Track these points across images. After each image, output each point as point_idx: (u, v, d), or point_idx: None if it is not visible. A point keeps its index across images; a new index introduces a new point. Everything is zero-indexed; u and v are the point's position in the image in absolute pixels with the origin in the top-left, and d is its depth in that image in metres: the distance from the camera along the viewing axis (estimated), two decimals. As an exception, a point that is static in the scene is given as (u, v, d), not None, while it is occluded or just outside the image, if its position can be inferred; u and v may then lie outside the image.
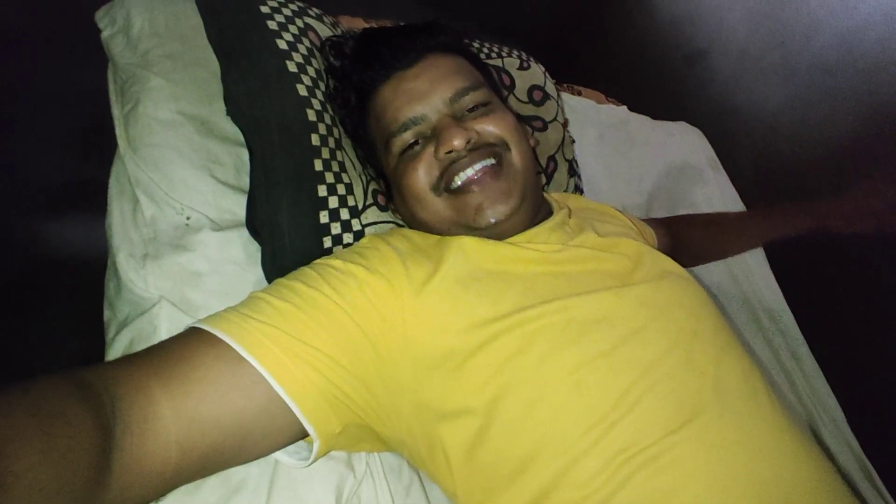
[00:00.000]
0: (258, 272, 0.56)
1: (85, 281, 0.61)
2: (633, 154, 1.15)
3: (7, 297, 0.75)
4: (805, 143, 1.24)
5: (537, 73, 0.91)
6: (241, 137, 0.60)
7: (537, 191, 0.61)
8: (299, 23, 0.65)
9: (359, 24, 0.85)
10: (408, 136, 0.56)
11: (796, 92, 1.26)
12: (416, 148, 0.56)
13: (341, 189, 0.60)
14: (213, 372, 0.38)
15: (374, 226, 0.62)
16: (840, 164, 1.17)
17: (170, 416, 0.35)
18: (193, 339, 0.40)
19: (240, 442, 0.39)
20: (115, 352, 0.52)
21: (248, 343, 0.39)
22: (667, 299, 0.51)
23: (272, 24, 0.62)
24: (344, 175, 0.61)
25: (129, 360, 0.38)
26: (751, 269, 1.08)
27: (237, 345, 0.39)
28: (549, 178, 0.88)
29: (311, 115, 0.60)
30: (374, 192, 0.64)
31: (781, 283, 1.09)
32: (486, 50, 0.87)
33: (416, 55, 0.58)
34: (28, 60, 0.83)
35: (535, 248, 0.54)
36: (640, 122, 1.23)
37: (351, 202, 0.60)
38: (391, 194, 0.64)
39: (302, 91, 0.60)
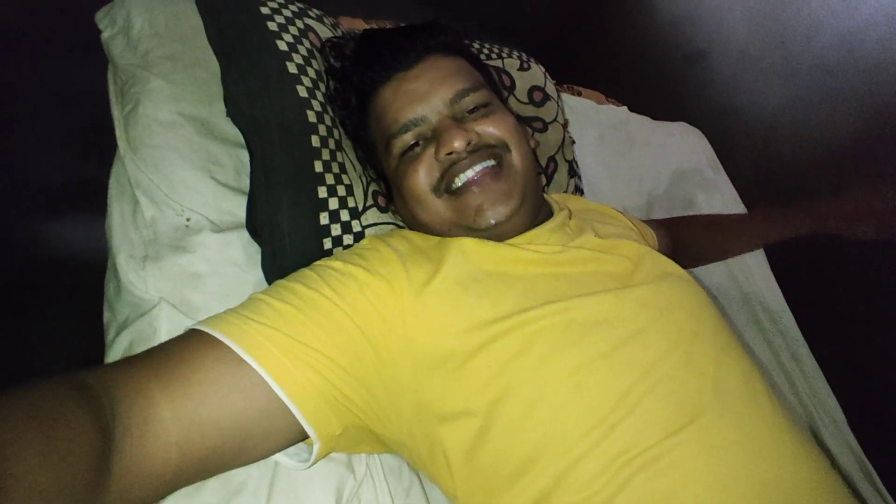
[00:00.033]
0: (258, 274, 0.56)
1: (85, 281, 0.61)
2: (634, 154, 1.15)
3: (7, 298, 0.75)
4: (805, 144, 1.24)
5: (537, 73, 0.91)
6: (241, 139, 0.60)
7: (537, 192, 0.61)
8: (299, 24, 0.65)
9: (359, 25, 0.85)
10: (408, 138, 0.56)
11: (797, 92, 1.26)
12: (417, 149, 0.56)
13: (341, 190, 0.60)
14: (212, 374, 0.38)
15: (374, 227, 0.61)
16: (840, 165, 1.17)
17: (170, 418, 0.35)
18: (193, 340, 0.40)
19: (240, 444, 0.39)
20: (114, 353, 0.52)
21: (248, 345, 0.39)
22: (667, 300, 0.51)
23: (272, 25, 0.62)
24: (344, 176, 0.61)
25: (129, 362, 0.38)
26: (751, 270, 1.08)
27: (237, 346, 0.39)
28: (550, 179, 0.88)
29: (312, 117, 0.60)
30: (375, 194, 0.64)
31: (781, 283, 1.09)
32: (486, 51, 0.87)
33: (416, 56, 0.58)
34: (28, 60, 0.83)
35: (536, 249, 0.54)
36: (641, 122, 1.23)
37: (351, 203, 0.60)
38: (391, 195, 0.64)
39: (302, 92, 0.60)
